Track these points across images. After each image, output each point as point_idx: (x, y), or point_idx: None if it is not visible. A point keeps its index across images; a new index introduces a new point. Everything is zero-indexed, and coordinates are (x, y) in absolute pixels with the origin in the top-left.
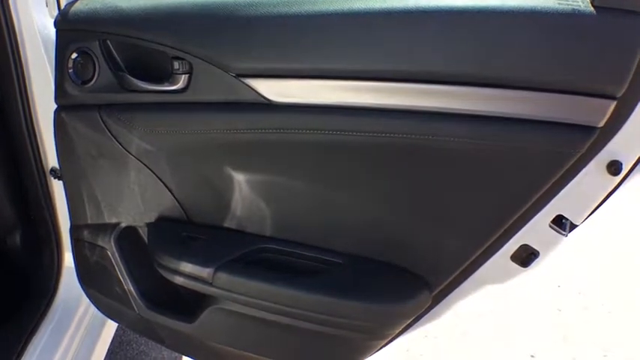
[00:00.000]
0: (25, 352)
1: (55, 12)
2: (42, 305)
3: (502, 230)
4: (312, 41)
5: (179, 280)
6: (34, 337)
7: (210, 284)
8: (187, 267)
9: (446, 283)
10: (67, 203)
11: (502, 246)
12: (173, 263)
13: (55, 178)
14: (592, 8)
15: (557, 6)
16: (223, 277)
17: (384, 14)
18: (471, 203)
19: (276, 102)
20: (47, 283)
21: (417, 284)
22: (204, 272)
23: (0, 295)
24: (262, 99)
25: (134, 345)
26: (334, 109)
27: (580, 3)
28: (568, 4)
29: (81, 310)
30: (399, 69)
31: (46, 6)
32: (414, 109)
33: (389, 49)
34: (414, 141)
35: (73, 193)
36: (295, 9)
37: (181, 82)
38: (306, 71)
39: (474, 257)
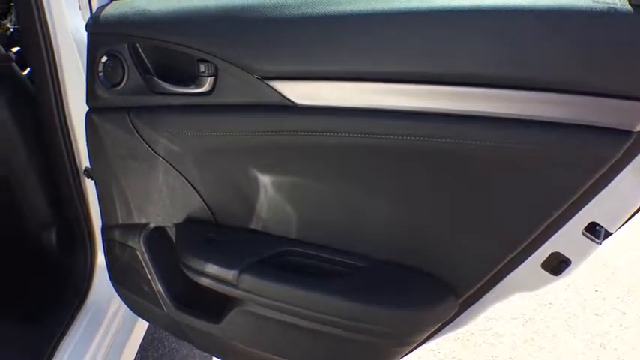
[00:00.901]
0: (59, 348)
1: (88, 15)
2: (75, 302)
3: (533, 237)
4: (337, 43)
5: (204, 281)
6: (68, 334)
7: (235, 286)
8: (212, 269)
9: (473, 289)
10: (99, 204)
11: (532, 253)
12: (199, 264)
13: (88, 178)
14: (629, 6)
15: (593, 4)
16: (248, 280)
17: (414, 13)
18: (502, 208)
19: (301, 104)
20: (81, 281)
21: (444, 290)
22: (229, 274)
23: (34, 292)
24: (287, 101)
25: (165, 342)
26: (360, 111)
27: (617, 1)
28: (604, 3)
29: (113, 308)
30: (430, 71)
31: (80, 9)
32: (445, 111)
33: (420, 50)
34: (444, 145)
35: (104, 193)
36: (319, 10)
37: (207, 84)
38: (331, 73)
39: (503, 264)
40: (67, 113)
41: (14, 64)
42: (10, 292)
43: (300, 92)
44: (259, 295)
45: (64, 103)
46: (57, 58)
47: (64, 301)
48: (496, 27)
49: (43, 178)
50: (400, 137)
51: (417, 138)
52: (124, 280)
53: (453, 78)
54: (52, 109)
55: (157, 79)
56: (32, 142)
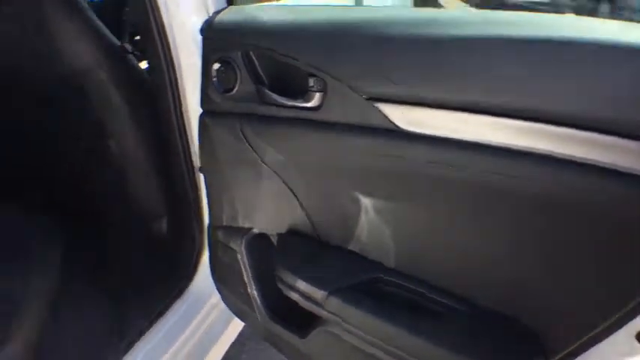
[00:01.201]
0: (152, 329)
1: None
2: (176, 289)
3: (633, 304)
4: (449, 70)
5: (294, 296)
6: (163, 317)
7: (322, 307)
8: (303, 285)
9: (564, 353)
10: (208, 203)
11: (629, 321)
12: (291, 279)
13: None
14: None
15: None
16: (335, 302)
17: (545, 42)
18: (606, 268)
19: (406, 130)
20: (185, 270)
21: (533, 349)
22: (318, 294)
23: (141, 275)
24: (392, 125)
25: (253, 342)
26: (466, 144)
27: None
28: None
29: (212, 300)
30: (551, 109)
31: (207, 13)
32: (559, 156)
33: (543, 85)
34: (554, 192)
35: (213, 194)
36: (434, 32)
37: (315, 99)
38: (440, 101)
39: (598, 330)
40: (184, 110)
41: (131, 55)
42: (119, 272)
43: (407, 117)
44: (345, 321)
45: (182, 100)
46: (174, 57)
47: (168, 286)
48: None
49: (158, 171)
50: (507, 177)
51: (525, 180)
52: (224, 279)
53: (571, 120)
54: (169, 106)
55: (267, 90)
56: (149, 135)
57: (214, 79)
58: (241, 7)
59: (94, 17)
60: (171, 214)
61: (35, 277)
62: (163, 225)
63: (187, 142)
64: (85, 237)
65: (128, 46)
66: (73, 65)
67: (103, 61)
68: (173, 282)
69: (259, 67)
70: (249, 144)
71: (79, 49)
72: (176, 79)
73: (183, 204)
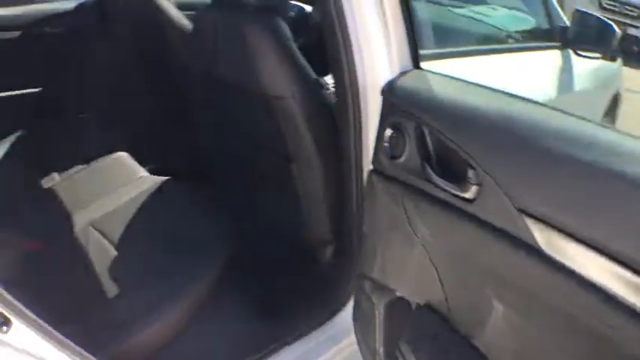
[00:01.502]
0: (298, 342)
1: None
2: (329, 311)
3: None
4: (608, 209)
5: None
6: (311, 335)
7: None
8: None
9: None
10: (360, 250)
11: None
12: (408, 356)
13: None
14: None
15: None
16: None
17: None
18: None
19: (548, 255)
20: (340, 296)
21: None
22: None
23: (296, 288)
24: (535, 244)
25: None
26: (604, 294)
27: None
28: None
29: (348, 339)
30: None
31: (393, 72)
32: None
33: None
34: None
35: (368, 243)
36: (603, 159)
37: (471, 192)
38: (588, 239)
39: None
40: (363, 155)
41: (324, 90)
42: (276, 282)
43: (551, 241)
44: None
45: (362, 146)
46: (362, 107)
47: (322, 306)
48: None
49: (332, 201)
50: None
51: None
52: (361, 325)
53: None
54: (350, 146)
55: (430, 169)
56: (328, 166)
57: (386, 144)
58: (424, 72)
59: (295, 50)
60: (336, 243)
61: (198, 266)
62: (328, 251)
63: (361, 180)
64: (251, 244)
65: (323, 81)
66: (268, 90)
67: (296, 91)
68: (328, 303)
69: (429, 142)
70: (406, 215)
71: (276, 77)
72: (360, 126)
73: (348, 236)
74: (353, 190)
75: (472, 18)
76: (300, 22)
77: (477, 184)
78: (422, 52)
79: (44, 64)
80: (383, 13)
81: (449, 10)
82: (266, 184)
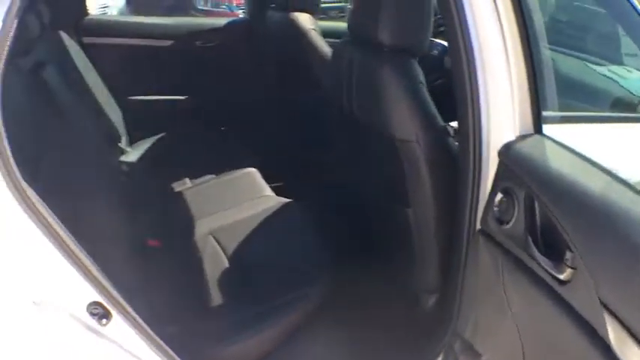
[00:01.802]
0: None
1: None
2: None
3: None
4: None
5: None
6: None
7: None
8: None
9: None
10: (456, 309)
11: None
12: None
13: None
14: None
15: None
16: None
17: None
18: None
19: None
20: (425, 354)
21: None
22: None
23: (387, 334)
24: (609, 343)
25: None
26: None
27: None
28: None
29: None
30: None
31: (514, 133)
32: None
33: None
34: None
35: (465, 302)
36: None
37: (566, 274)
38: None
39: None
40: (479, 203)
41: (451, 138)
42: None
43: (627, 346)
44: None
45: (479, 197)
46: (483, 161)
47: (411, 353)
48: None
49: (442, 252)
50: None
51: None
52: None
53: None
54: (466, 200)
55: (531, 242)
56: (444, 215)
57: (495, 207)
58: (543, 139)
59: (425, 94)
60: (440, 293)
61: (301, 290)
62: (431, 300)
63: (472, 236)
64: (356, 278)
65: (450, 129)
66: (395, 132)
67: (421, 136)
68: (419, 353)
69: (538, 213)
70: (503, 282)
71: (403, 120)
72: (479, 183)
73: (452, 289)
74: (463, 244)
75: (606, 77)
76: (440, 61)
77: (573, 268)
78: (547, 113)
79: (191, 74)
80: (509, 71)
81: (585, 64)
82: (381, 222)
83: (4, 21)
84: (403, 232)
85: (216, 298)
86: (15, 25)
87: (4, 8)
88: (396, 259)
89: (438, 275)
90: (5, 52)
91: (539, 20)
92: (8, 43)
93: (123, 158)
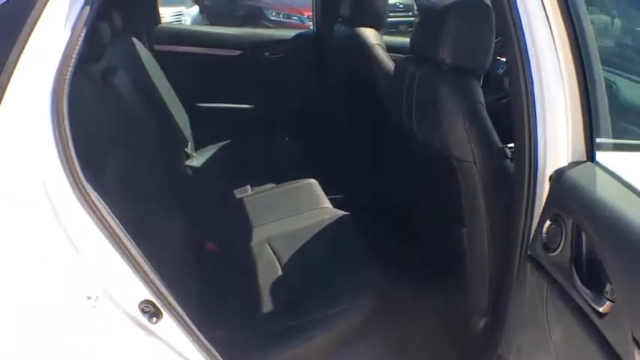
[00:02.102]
0: None
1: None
2: None
3: None
4: None
5: None
6: None
7: None
8: None
9: None
10: (504, 334)
11: None
12: None
13: None
14: None
15: None
16: None
17: None
18: None
19: None
20: None
21: None
22: None
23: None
24: None
25: None
26: None
27: None
28: None
29: None
30: None
31: (566, 159)
32: None
33: None
34: None
35: (512, 327)
36: None
37: (605, 306)
38: None
39: None
40: (532, 228)
41: (508, 160)
42: (423, 344)
43: None
44: None
45: (534, 218)
46: (538, 186)
47: None
48: None
49: (493, 274)
50: None
51: None
52: None
53: None
54: (520, 221)
55: (575, 272)
56: (497, 236)
57: (544, 234)
58: (595, 167)
59: (484, 115)
60: (491, 316)
61: (351, 302)
62: (481, 323)
63: (523, 260)
64: (406, 293)
65: (508, 151)
66: (452, 152)
67: (478, 156)
68: None
69: (584, 245)
70: (546, 310)
71: (460, 140)
72: (532, 209)
73: (502, 313)
74: (514, 268)
75: None
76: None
77: (611, 301)
78: (601, 140)
79: (258, 84)
80: (565, 98)
81: None
82: (436, 239)
83: (72, 30)
84: (457, 252)
85: (266, 305)
86: (83, 34)
87: (73, 18)
88: (448, 278)
89: (489, 298)
90: (73, 60)
91: (593, 46)
92: (75, 51)
93: (188, 163)
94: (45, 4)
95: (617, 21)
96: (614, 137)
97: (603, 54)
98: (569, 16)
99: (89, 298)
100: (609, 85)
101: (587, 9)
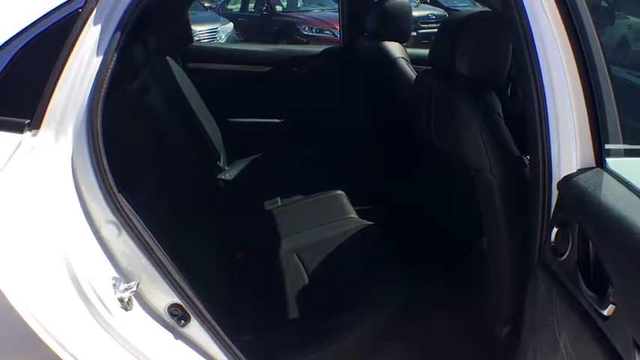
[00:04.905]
0: None
1: None
2: None
3: None
4: None
5: None
6: None
7: None
8: None
9: None
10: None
11: None
12: None
13: None
14: None
15: None
16: None
17: None
18: None
19: None
20: None
21: None
22: None
23: None
24: None
25: None
26: None
27: None
28: None
29: None
30: None
31: (574, 166)
32: None
33: None
34: None
35: (525, 333)
36: None
37: (609, 309)
38: None
39: None
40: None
41: (526, 169)
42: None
43: None
44: None
45: (548, 225)
46: (552, 191)
47: None
48: None
49: (514, 279)
50: None
51: None
52: None
53: None
54: (538, 226)
55: (580, 275)
56: (517, 243)
57: (552, 240)
58: (603, 173)
59: (501, 124)
60: (513, 323)
61: (371, 311)
62: (505, 330)
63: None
64: (427, 302)
65: (526, 160)
66: (469, 161)
67: (495, 166)
68: None
69: (591, 251)
70: (555, 314)
71: (478, 149)
72: (548, 215)
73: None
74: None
75: None
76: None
77: (614, 304)
78: (611, 146)
79: (288, 99)
80: (571, 105)
81: None
82: (457, 248)
83: (105, 54)
84: (478, 260)
85: (292, 311)
86: (115, 57)
87: (106, 43)
88: (471, 286)
89: (511, 305)
90: (106, 81)
91: (597, 49)
92: (108, 73)
93: (221, 176)
94: (80, 31)
95: None
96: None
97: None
98: (570, 21)
99: (121, 299)
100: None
101: (615, 14)
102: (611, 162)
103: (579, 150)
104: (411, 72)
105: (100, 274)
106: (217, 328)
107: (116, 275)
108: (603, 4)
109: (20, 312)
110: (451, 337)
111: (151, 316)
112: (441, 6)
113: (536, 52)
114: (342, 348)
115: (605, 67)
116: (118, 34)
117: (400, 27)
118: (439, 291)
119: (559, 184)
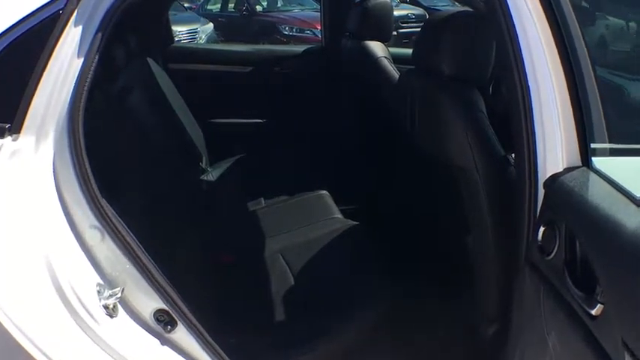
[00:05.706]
0: None
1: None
2: None
3: None
4: None
5: None
6: None
7: None
8: None
9: None
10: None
11: None
12: None
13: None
14: None
15: None
16: None
17: None
18: None
19: None
20: None
21: None
22: None
23: None
24: None
25: None
26: None
27: None
28: None
29: None
30: None
31: (561, 165)
32: None
33: None
34: None
35: (513, 332)
36: None
37: (597, 309)
38: None
39: None
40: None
41: (512, 168)
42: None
43: None
44: None
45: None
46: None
47: None
48: None
49: (500, 279)
50: None
51: None
52: None
53: None
54: (524, 225)
55: (567, 274)
56: (501, 241)
57: (539, 239)
58: (589, 173)
59: (485, 123)
60: (500, 322)
61: (360, 311)
62: (491, 329)
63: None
64: (414, 303)
65: (511, 159)
66: (454, 160)
67: (480, 164)
68: None
69: (578, 249)
70: (543, 314)
71: (462, 148)
72: (535, 213)
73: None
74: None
75: None
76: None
77: (602, 303)
78: (596, 145)
79: (270, 99)
80: (556, 101)
81: None
82: (443, 247)
83: (86, 56)
84: (464, 259)
85: (278, 314)
86: (96, 61)
87: (86, 45)
88: (457, 286)
89: (498, 304)
90: (87, 83)
91: (582, 48)
92: (90, 75)
93: (203, 177)
94: (61, 33)
95: (632, 24)
96: (629, 143)
97: (619, 58)
98: (555, 20)
99: (105, 306)
100: (622, 89)
101: (596, 14)
102: (597, 161)
103: (565, 149)
104: (393, 71)
105: (83, 280)
106: (204, 332)
107: (100, 282)
108: (584, 4)
109: (2, 321)
110: (437, 337)
111: (136, 322)
112: (420, 5)
113: (520, 50)
114: (328, 351)
115: (590, 66)
116: (99, 35)
117: (382, 26)
118: (425, 290)
119: (545, 183)
